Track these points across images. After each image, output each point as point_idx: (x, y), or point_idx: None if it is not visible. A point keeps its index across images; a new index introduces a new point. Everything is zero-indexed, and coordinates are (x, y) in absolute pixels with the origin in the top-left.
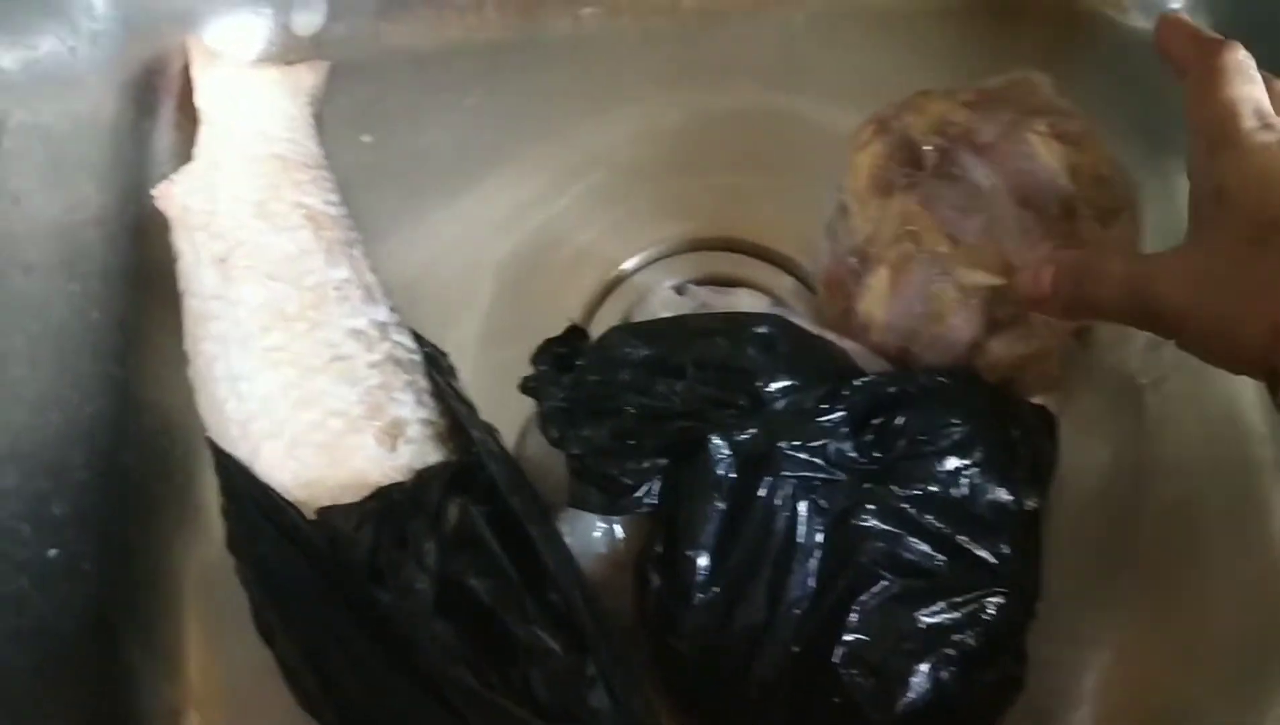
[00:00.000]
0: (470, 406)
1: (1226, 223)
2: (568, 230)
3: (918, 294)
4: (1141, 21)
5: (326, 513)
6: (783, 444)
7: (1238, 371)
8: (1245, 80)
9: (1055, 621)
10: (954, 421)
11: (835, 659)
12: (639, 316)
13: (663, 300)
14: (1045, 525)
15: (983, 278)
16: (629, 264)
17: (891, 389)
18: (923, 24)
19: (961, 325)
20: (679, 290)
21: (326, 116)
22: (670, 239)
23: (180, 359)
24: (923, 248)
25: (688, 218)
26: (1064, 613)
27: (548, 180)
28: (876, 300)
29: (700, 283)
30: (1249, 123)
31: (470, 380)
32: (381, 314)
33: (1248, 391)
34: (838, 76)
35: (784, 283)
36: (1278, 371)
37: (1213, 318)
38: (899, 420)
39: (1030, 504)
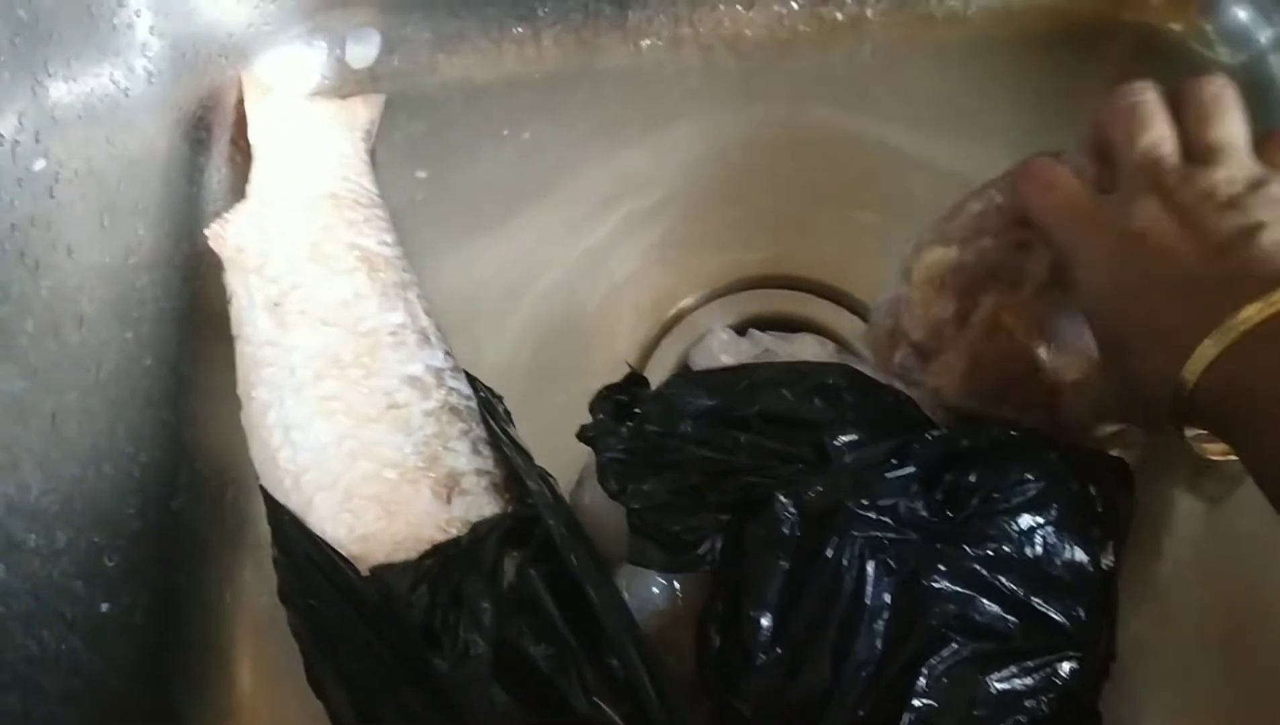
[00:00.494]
0: (526, 454)
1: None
2: (625, 266)
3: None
4: (1228, 57)
5: (381, 571)
6: (850, 501)
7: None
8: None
9: (1128, 683)
10: (1028, 477)
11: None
12: (697, 358)
13: (722, 343)
14: (1121, 582)
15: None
16: (687, 301)
17: (964, 442)
18: (996, 55)
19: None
20: (740, 331)
21: (381, 151)
22: (731, 275)
23: (233, 401)
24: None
25: (749, 253)
26: (1137, 675)
27: (604, 214)
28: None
29: (761, 323)
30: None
31: (523, 423)
32: (438, 359)
33: None
34: (906, 106)
35: (849, 324)
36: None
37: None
38: (971, 477)
39: (1106, 563)
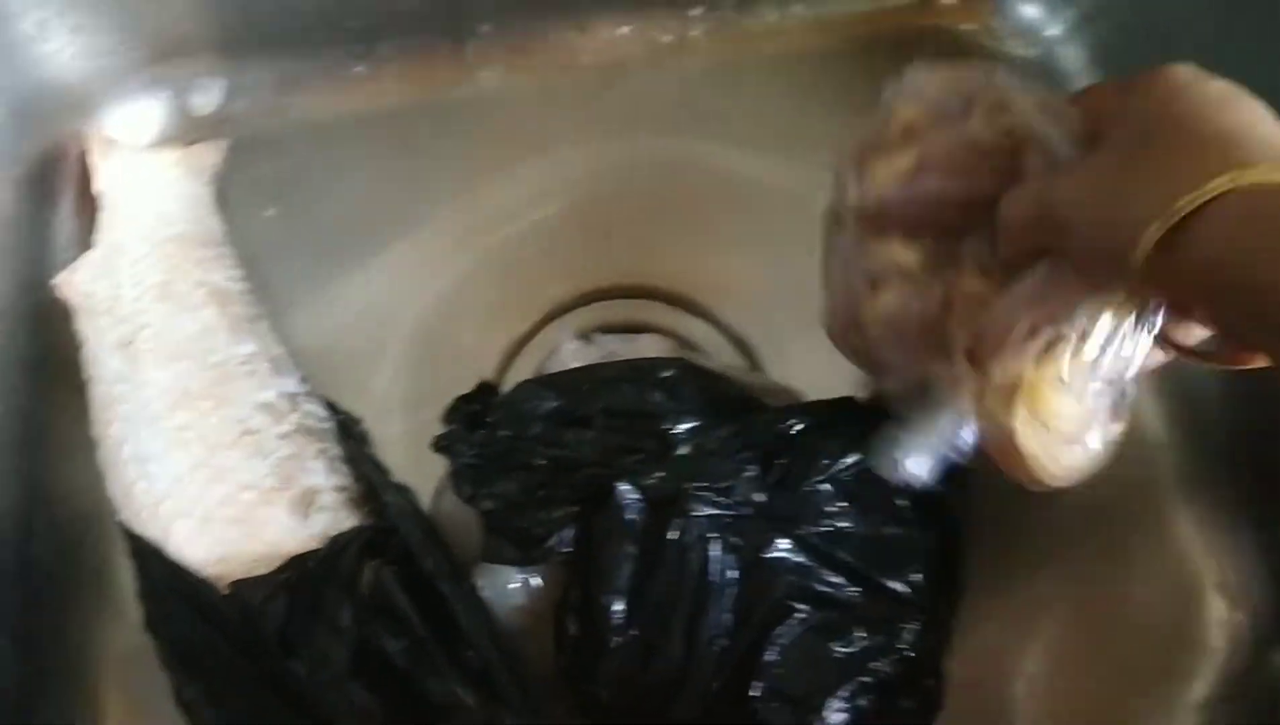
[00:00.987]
0: (383, 470)
1: (1124, 127)
2: (478, 289)
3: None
4: (1021, 51)
5: (239, 586)
6: (690, 485)
7: (1110, 282)
8: None
9: (979, 639)
10: (862, 453)
11: (754, 693)
12: (551, 369)
13: (571, 351)
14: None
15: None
16: (541, 318)
17: (796, 422)
18: (817, 66)
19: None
20: (587, 340)
21: (230, 193)
22: (582, 290)
23: (89, 446)
24: None
25: (598, 270)
26: (989, 629)
27: (455, 241)
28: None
29: (612, 331)
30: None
31: (388, 444)
32: (290, 385)
33: (1149, 403)
34: (738, 122)
35: (692, 325)
36: (1135, 276)
37: (1090, 223)
38: (809, 455)
39: (942, 529)
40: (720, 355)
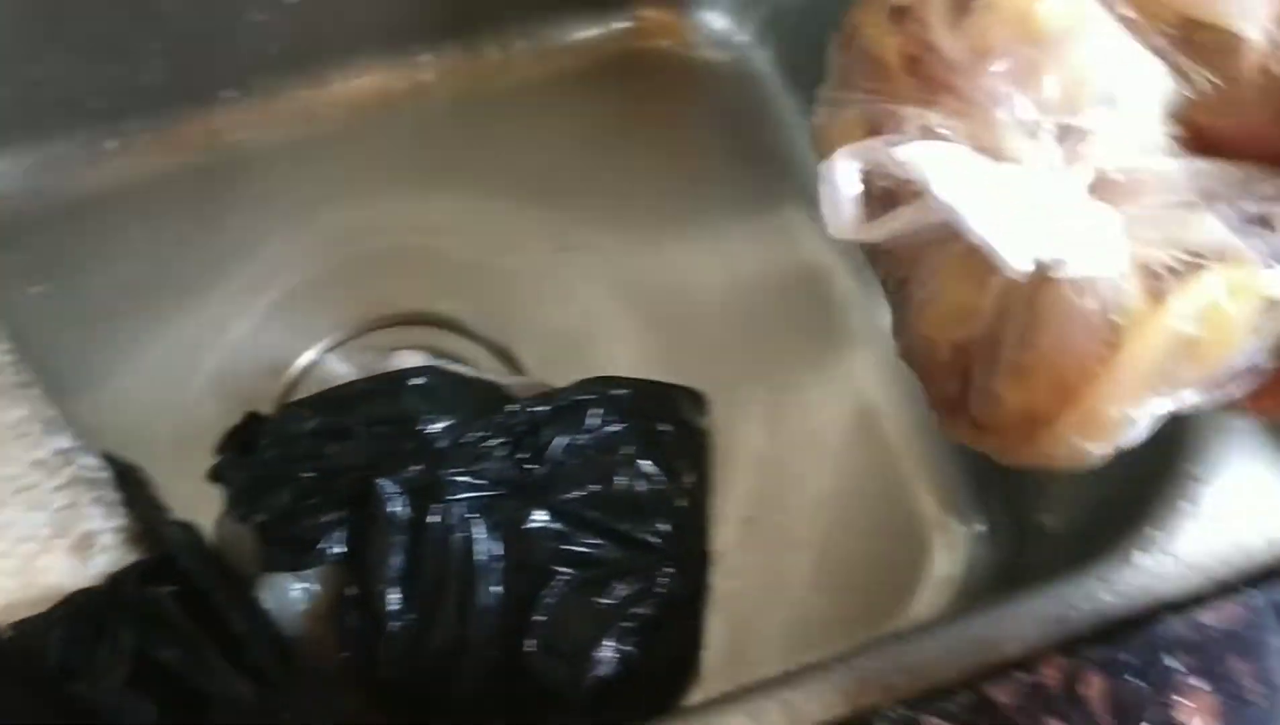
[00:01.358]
0: (161, 508)
1: None
2: (245, 338)
3: None
4: (717, 57)
5: (18, 627)
6: (445, 472)
7: None
8: None
9: (732, 578)
10: (607, 427)
11: (530, 651)
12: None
13: (336, 375)
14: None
15: None
16: (310, 355)
17: (543, 408)
18: (542, 94)
19: None
20: (347, 359)
21: None
22: (349, 324)
23: None
24: None
25: (355, 306)
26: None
27: (217, 299)
28: None
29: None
30: None
31: (178, 489)
32: (64, 442)
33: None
34: (479, 156)
35: (459, 343)
36: None
37: None
38: (556, 433)
39: (689, 481)
40: (484, 366)
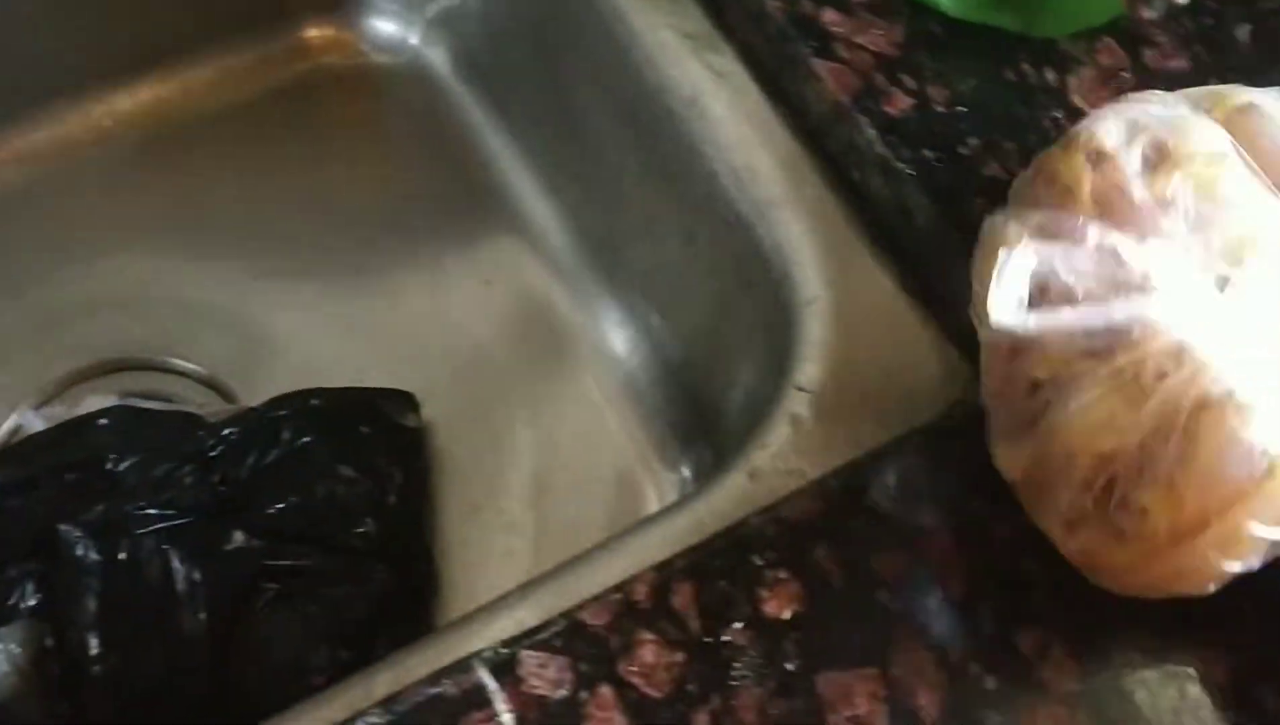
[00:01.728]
0: None
1: None
2: None
3: None
4: (390, 60)
5: None
6: (131, 507)
7: None
8: None
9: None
10: (301, 439)
11: (241, 672)
12: None
13: (29, 422)
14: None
15: None
16: (12, 420)
17: (234, 427)
18: (235, 122)
19: None
20: (38, 413)
21: None
22: (54, 382)
23: None
24: None
25: (69, 358)
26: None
27: None
28: None
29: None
30: None
31: None
32: None
33: None
34: (172, 197)
35: (163, 382)
36: None
37: None
38: (249, 453)
39: (398, 480)
40: (194, 400)
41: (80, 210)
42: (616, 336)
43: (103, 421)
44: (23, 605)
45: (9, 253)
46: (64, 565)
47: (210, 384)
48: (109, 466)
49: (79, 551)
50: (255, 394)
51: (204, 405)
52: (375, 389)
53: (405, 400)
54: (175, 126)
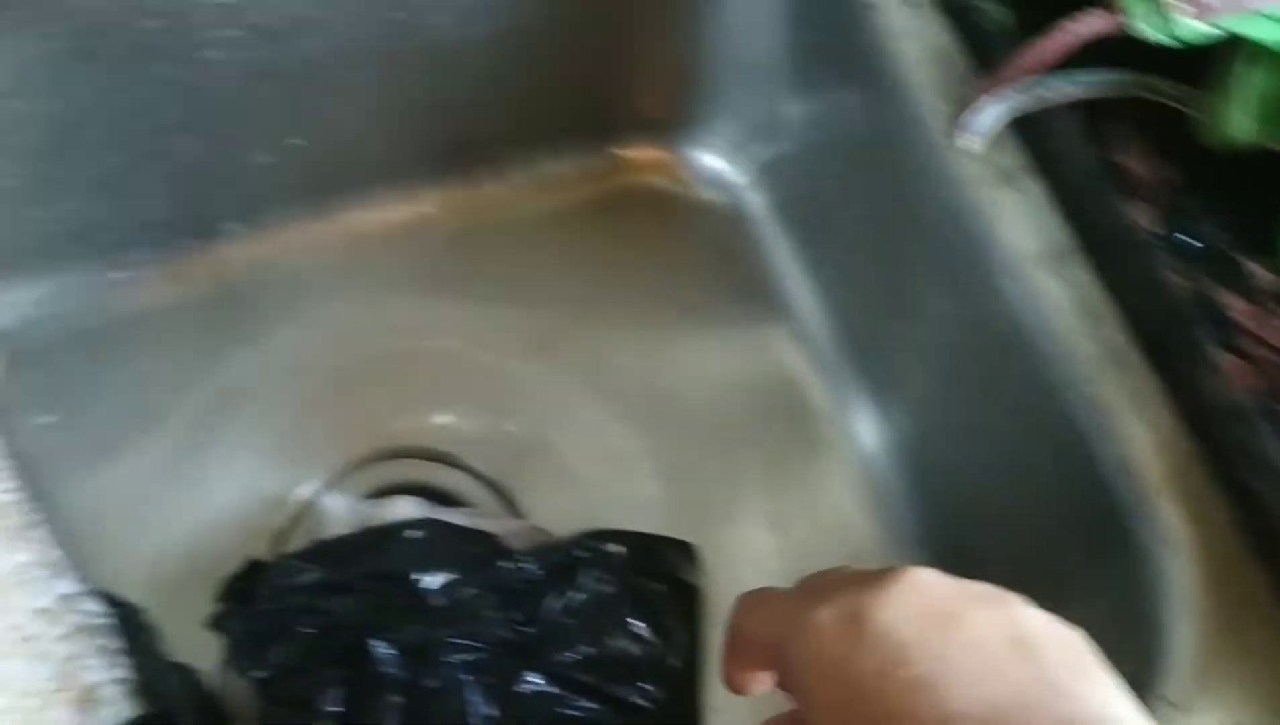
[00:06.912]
0: (160, 656)
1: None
2: (247, 470)
3: None
4: (713, 197)
5: None
6: (441, 633)
7: None
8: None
9: None
10: (601, 587)
11: None
12: (318, 536)
13: (334, 519)
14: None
15: None
16: (305, 490)
17: (536, 565)
18: (547, 227)
19: None
20: (346, 507)
21: (4, 404)
22: (343, 458)
23: None
24: None
25: (355, 436)
26: None
27: (220, 430)
28: None
29: (374, 493)
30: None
31: (181, 628)
32: (67, 587)
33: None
34: (475, 285)
35: (449, 477)
36: None
37: None
38: (551, 593)
39: (680, 640)
40: (477, 501)
41: (394, 286)
42: None
43: (414, 533)
44: (326, 709)
45: (308, 328)
46: (371, 680)
47: (491, 485)
48: (417, 583)
49: (386, 669)
50: (529, 497)
51: (485, 509)
52: (666, 539)
53: (688, 552)
54: (490, 222)
